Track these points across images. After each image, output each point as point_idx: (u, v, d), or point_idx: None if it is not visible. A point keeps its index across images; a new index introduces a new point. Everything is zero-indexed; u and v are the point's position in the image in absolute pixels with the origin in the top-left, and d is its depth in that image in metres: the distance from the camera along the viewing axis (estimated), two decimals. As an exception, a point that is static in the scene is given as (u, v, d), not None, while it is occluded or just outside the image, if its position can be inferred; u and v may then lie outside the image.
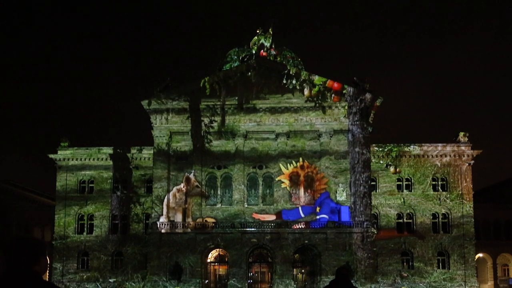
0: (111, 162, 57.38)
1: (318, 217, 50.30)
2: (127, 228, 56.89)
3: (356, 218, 49.61)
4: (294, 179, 51.83)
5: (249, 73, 52.34)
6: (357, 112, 51.16)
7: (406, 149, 55.35)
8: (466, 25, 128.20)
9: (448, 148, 55.61)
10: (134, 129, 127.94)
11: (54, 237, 57.01)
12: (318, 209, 50.62)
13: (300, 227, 50.19)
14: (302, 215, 50.87)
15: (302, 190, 51.88)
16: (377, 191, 55.22)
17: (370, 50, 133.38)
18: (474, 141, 56.33)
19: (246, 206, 52.09)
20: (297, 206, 51.34)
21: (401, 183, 55.87)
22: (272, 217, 51.14)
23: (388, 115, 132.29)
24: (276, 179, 51.77)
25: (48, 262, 56.01)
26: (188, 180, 51.60)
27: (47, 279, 54.48)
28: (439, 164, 55.40)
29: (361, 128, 50.97)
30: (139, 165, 57.07)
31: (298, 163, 51.76)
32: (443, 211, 55.19)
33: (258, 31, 56.02)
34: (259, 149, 52.57)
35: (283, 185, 51.63)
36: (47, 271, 58.77)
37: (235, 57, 56.20)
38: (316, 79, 51.59)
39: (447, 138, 57.78)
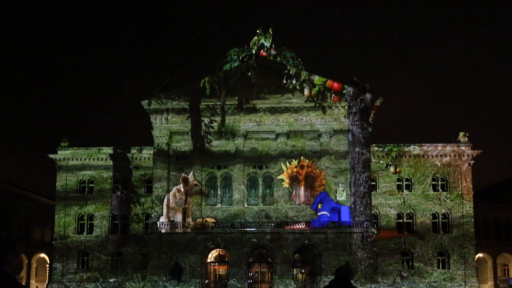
0: (111, 162, 57.37)
1: (319, 213, 50.24)
2: (127, 228, 56.87)
3: (356, 218, 49.59)
4: (294, 178, 51.79)
5: (249, 73, 52.33)
6: (357, 112, 51.13)
7: (406, 149, 55.34)
8: (466, 25, 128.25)
9: (448, 148, 55.58)
10: (134, 129, 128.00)
11: (54, 237, 57.00)
12: (319, 205, 50.52)
13: (300, 227, 50.18)
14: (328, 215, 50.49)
15: (302, 189, 51.95)
16: (377, 191, 55.20)
17: (370, 50, 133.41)
18: (474, 141, 56.41)
19: (246, 206, 52.09)
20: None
21: (401, 183, 55.85)
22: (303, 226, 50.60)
23: (388, 115, 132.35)
24: (278, 178, 51.71)
25: (22, 262, 55.35)
26: (185, 180, 51.59)
27: (47, 279, 54.15)
28: (439, 164, 55.38)
29: (361, 128, 50.94)
30: (139, 165, 57.05)
31: (299, 163, 51.67)
32: (443, 211, 55.18)
33: (258, 31, 55.99)
34: (259, 149, 52.56)
35: (284, 184, 51.50)
36: (47, 271, 58.77)
37: (235, 57, 56.14)
38: (316, 79, 51.57)
39: (447, 138, 57.87)
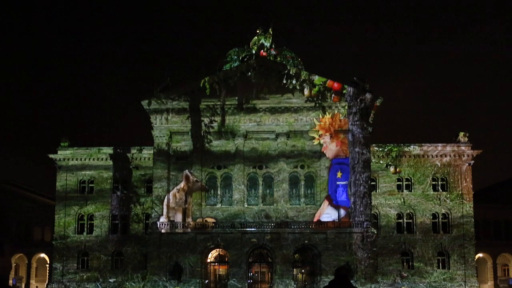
0: (111, 162, 57.39)
1: (322, 214, 50.46)
2: (127, 228, 56.89)
3: (356, 218, 49.62)
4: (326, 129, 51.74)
5: (249, 73, 52.37)
6: (357, 112, 51.16)
7: (406, 149, 55.36)
8: (466, 25, 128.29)
9: (448, 148, 55.60)
10: (134, 129, 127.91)
11: (54, 237, 57.01)
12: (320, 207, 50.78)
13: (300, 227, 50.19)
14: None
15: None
16: (377, 191, 55.22)
17: (370, 50, 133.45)
18: (474, 141, 56.37)
19: (246, 206, 52.13)
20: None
21: (401, 183, 55.87)
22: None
23: (388, 115, 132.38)
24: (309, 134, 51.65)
25: (9, 261, 55.50)
26: (187, 177, 51.77)
27: (47, 279, 54.06)
28: (439, 164, 55.41)
29: (361, 128, 50.97)
30: (139, 165, 57.07)
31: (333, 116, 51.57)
32: (443, 211, 55.20)
33: (258, 31, 56.00)
34: (259, 149, 52.60)
35: (315, 141, 51.49)
36: (47, 271, 58.78)
37: (235, 57, 56.14)
38: (316, 79, 51.60)
39: (447, 138, 57.88)
